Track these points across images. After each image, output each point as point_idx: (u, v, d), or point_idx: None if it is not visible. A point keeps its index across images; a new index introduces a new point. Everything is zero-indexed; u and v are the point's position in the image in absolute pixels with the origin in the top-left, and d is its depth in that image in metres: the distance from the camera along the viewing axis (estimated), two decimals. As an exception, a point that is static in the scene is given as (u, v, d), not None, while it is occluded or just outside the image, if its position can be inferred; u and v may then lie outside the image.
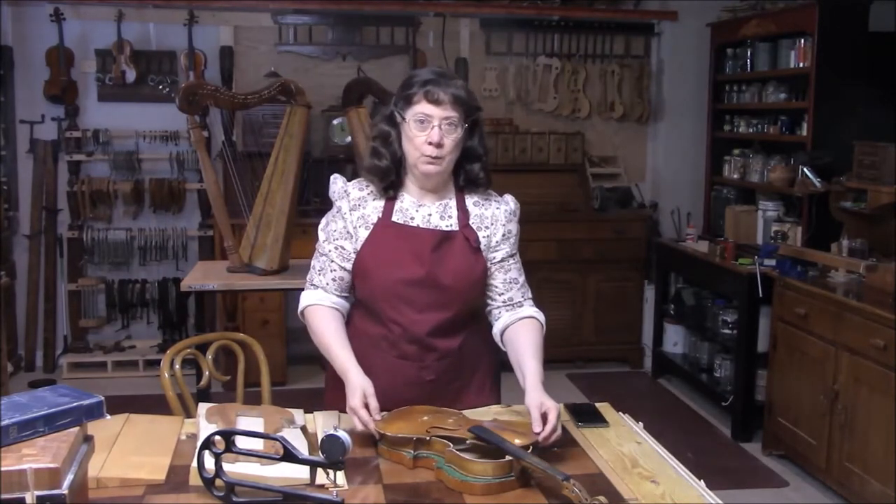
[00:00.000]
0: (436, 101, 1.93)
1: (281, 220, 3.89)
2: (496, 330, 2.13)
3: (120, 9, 5.22)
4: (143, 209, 5.46)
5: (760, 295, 4.26)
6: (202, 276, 3.87)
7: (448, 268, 2.01)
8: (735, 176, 5.21)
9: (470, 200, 2.09)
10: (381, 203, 2.05)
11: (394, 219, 2.04)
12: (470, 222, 2.06)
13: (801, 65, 4.54)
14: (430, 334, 2.03)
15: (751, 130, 5.10)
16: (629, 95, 5.85)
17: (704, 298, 5.18)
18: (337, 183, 2.10)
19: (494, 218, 2.09)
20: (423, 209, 2.05)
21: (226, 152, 4.78)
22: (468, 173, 2.07)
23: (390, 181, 2.04)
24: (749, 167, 5.07)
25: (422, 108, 1.94)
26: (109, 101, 5.41)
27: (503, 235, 2.09)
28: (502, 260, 2.10)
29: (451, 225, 2.05)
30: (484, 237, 2.07)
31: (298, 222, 4.47)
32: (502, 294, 2.11)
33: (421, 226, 2.04)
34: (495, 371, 2.25)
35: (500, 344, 2.14)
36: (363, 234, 2.04)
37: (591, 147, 5.89)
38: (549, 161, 5.67)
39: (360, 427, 1.83)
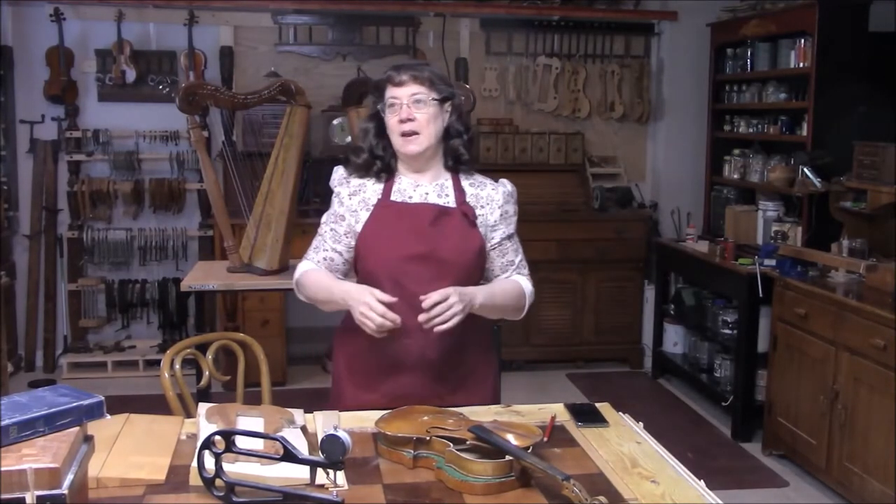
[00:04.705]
0: (399, 84, 2.07)
1: (281, 220, 3.89)
2: None
3: (120, 9, 5.23)
4: (143, 209, 5.46)
5: (760, 295, 4.26)
6: (202, 276, 3.87)
7: (446, 242, 2.07)
8: (735, 176, 5.21)
9: (465, 182, 2.18)
10: (380, 186, 2.15)
11: (392, 198, 2.12)
12: (466, 200, 2.14)
13: (801, 65, 4.54)
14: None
15: (751, 130, 5.10)
16: (629, 95, 5.85)
17: (704, 298, 5.18)
18: (338, 171, 2.22)
19: (490, 198, 2.17)
20: (420, 188, 2.14)
21: (226, 152, 4.77)
22: (451, 150, 2.16)
23: (376, 170, 2.15)
24: (749, 167, 5.07)
25: (389, 93, 2.09)
26: (109, 101, 5.41)
27: (500, 216, 2.17)
28: (500, 242, 2.17)
29: (449, 202, 2.13)
30: (480, 215, 2.14)
31: (298, 222, 4.46)
32: (498, 276, 2.20)
33: (419, 203, 2.12)
34: (497, 372, 2.30)
35: None
36: (364, 215, 2.13)
37: (591, 147, 5.89)
38: (549, 161, 5.67)
39: (377, 322, 1.92)
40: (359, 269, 2.17)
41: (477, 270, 2.15)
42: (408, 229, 2.07)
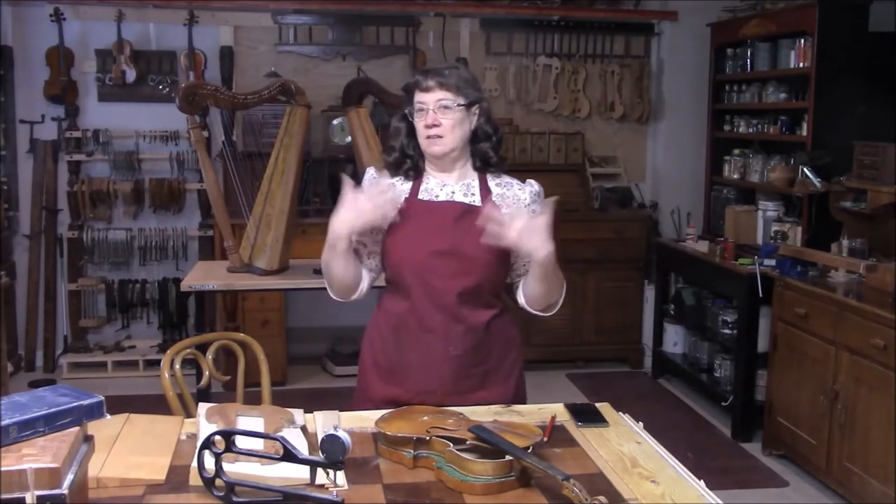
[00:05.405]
0: (426, 89, 2.12)
1: (281, 220, 3.90)
2: (519, 292, 2.23)
3: (120, 9, 5.22)
4: (143, 209, 5.46)
5: (760, 295, 4.26)
6: (202, 276, 3.87)
7: (471, 239, 2.09)
8: (735, 176, 5.21)
9: (492, 182, 2.21)
10: (408, 186, 2.20)
11: (420, 197, 2.17)
12: (493, 199, 2.17)
13: (801, 65, 4.54)
14: (456, 303, 2.11)
15: (751, 130, 5.10)
16: (629, 95, 5.85)
17: (704, 298, 5.18)
18: (369, 172, 2.26)
19: (517, 198, 2.20)
20: (447, 188, 2.19)
21: (226, 152, 4.78)
22: (479, 152, 2.20)
23: (406, 169, 2.20)
24: (749, 167, 5.07)
25: (417, 98, 2.14)
26: (109, 101, 5.41)
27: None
28: None
29: (475, 201, 2.17)
30: (507, 214, 2.14)
31: (298, 222, 4.47)
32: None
33: (445, 201, 2.17)
34: (522, 369, 2.31)
35: (522, 303, 2.24)
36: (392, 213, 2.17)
37: (591, 147, 5.89)
38: (549, 161, 5.67)
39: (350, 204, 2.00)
40: (385, 265, 2.22)
41: (502, 268, 2.17)
42: (433, 226, 2.12)
